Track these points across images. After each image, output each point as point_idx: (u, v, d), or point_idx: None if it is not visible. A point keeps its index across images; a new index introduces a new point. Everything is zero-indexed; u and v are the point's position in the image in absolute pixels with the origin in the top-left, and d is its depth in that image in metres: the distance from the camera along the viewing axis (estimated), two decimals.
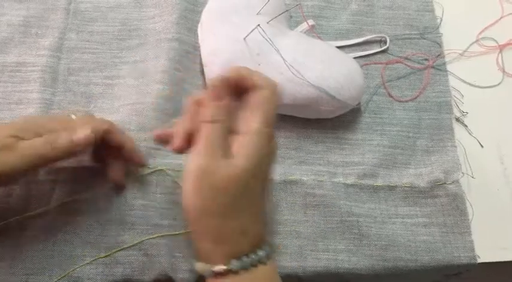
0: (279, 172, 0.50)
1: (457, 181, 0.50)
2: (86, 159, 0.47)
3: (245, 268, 0.34)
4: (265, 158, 0.36)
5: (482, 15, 0.60)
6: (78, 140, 0.40)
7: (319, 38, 0.56)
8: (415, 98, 0.55)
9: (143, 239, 0.46)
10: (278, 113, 0.51)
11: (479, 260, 0.48)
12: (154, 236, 0.46)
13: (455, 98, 0.55)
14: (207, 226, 0.34)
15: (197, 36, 0.53)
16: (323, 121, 0.52)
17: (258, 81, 0.36)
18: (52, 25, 0.56)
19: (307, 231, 0.48)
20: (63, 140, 0.39)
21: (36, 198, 0.47)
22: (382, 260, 0.47)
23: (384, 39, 0.58)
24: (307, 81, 0.48)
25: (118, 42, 0.55)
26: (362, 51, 0.57)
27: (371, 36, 0.57)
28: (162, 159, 0.49)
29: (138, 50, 0.55)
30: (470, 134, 0.54)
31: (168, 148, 0.39)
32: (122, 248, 0.46)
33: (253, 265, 0.35)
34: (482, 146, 0.53)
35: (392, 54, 0.57)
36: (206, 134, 0.35)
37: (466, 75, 0.57)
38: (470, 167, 0.52)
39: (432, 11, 0.60)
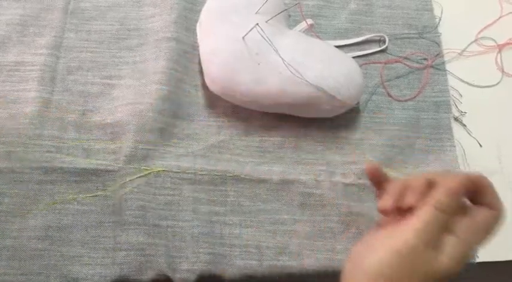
0: (277, 171, 0.50)
1: None
2: (81, 157, 0.47)
3: None
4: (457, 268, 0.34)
5: (482, 14, 0.60)
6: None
7: (318, 37, 0.56)
8: (414, 97, 0.55)
9: (141, 239, 0.46)
10: (277, 112, 0.52)
11: (478, 260, 0.48)
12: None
13: (454, 98, 0.55)
14: None
15: (196, 35, 0.53)
16: (322, 120, 0.52)
17: (494, 199, 0.35)
18: (50, 24, 0.55)
19: (306, 231, 0.48)
20: None
21: (33, 199, 0.47)
22: None
23: (382, 38, 0.58)
24: (306, 81, 0.48)
25: (117, 41, 0.55)
26: (361, 50, 0.57)
27: (370, 36, 0.57)
28: (161, 160, 0.49)
29: (137, 50, 0.55)
30: (469, 133, 0.54)
31: (376, 196, 0.39)
32: (120, 248, 0.46)
33: None
34: (481, 146, 0.53)
35: (391, 54, 0.57)
36: (428, 218, 0.34)
37: (465, 75, 0.57)
38: (468, 166, 0.52)
39: (431, 10, 0.60)
